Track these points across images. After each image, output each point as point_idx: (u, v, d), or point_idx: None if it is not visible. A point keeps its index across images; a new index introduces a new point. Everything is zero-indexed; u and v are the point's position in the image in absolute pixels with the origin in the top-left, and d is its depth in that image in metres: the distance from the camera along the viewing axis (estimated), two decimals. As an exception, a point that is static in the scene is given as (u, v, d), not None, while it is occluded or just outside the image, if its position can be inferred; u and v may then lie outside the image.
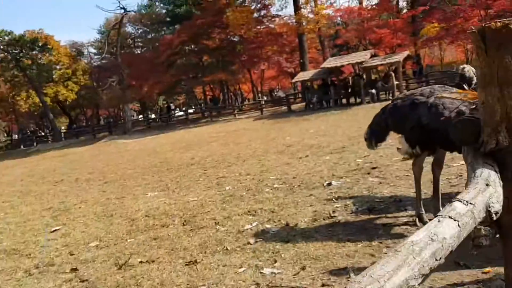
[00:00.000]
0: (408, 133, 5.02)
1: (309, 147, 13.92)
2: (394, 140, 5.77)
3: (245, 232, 5.66)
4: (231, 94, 52.83)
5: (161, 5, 52.36)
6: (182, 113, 47.42)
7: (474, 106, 4.64)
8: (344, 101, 30.60)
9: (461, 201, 1.42)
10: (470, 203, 1.42)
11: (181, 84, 46.14)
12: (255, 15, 41.12)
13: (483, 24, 1.69)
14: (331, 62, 29.78)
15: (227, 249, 5.12)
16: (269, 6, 42.12)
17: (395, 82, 27.00)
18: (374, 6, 40.60)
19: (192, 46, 43.36)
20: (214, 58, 43.89)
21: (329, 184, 7.95)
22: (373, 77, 30.43)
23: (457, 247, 1.34)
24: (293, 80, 34.60)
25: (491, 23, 1.66)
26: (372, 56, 29.23)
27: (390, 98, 27.81)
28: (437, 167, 5.26)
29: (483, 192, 1.49)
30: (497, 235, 1.71)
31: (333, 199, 6.80)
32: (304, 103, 32.57)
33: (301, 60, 36.95)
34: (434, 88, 5.06)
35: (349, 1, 61.03)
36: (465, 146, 1.79)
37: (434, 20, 35.01)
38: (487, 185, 1.53)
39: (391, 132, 5.47)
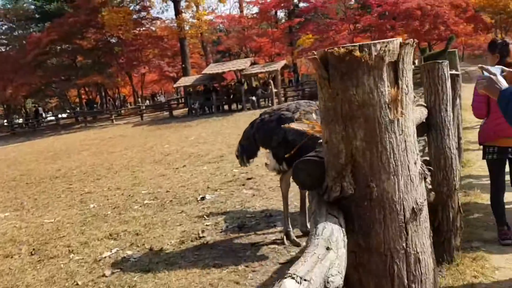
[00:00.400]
0: (275, 149, 4.88)
1: (187, 156, 13.47)
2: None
3: (102, 261, 5.02)
4: (109, 98, 50.10)
5: (30, 0, 47.68)
6: (53, 117, 43.57)
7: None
8: (226, 107, 30.72)
9: (293, 278, 1.10)
10: (305, 280, 1.11)
11: (52, 87, 42.41)
12: (134, 16, 39.45)
13: (326, 50, 1.42)
14: (213, 68, 29.69)
15: (77, 284, 4.45)
16: (149, 8, 40.77)
17: (274, 90, 27.81)
18: (254, 15, 41.63)
19: (64, 46, 40.09)
20: (89, 60, 41.11)
21: (203, 198, 7.60)
22: (254, 84, 31.03)
23: None
24: (175, 85, 33.81)
25: (334, 48, 1.40)
26: (252, 64, 29.80)
27: (270, 105, 28.63)
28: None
29: (321, 260, 1.19)
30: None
31: (205, 216, 6.46)
32: (186, 109, 32.00)
33: (183, 65, 36.32)
34: (299, 103, 4.99)
35: (230, 9, 61.96)
36: (307, 191, 1.55)
37: (308, 31, 36.98)
38: (327, 249, 1.24)
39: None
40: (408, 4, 30.94)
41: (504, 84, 2.41)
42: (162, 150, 16.07)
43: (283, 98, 29.25)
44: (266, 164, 5.21)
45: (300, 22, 37.43)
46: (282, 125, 4.79)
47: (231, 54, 47.61)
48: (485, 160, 4.28)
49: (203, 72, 30.67)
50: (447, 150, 3.66)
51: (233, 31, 41.30)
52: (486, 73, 2.52)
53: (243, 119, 23.96)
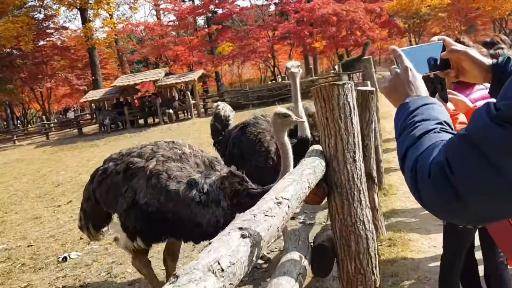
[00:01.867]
0: (123, 217, 3.31)
1: (80, 186, 11.39)
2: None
3: None
4: (19, 116, 45.57)
5: None
6: None
7: (219, 180, 3.20)
8: (142, 121, 28.52)
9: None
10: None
11: None
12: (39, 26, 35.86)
13: None
14: (124, 80, 27.41)
15: None
16: (54, 17, 37.27)
17: (192, 101, 26.12)
18: (172, 23, 39.68)
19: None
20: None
21: (65, 259, 5.81)
22: (175, 94, 29.11)
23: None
24: (81, 100, 30.96)
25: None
26: (167, 74, 27.93)
27: (189, 117, 26.90)
28: (170, 257, 3.66)
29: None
30: None
31: (54, 294, 4.70)
32: (98, 125, 29.34)
33: (93, 77, 33.44)
34: (158, 145, 3.47)
35: (146, 17, 59.31)
36: None
37: (227, 38, 35.70)
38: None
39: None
40: (323, 10, 30.68)
41: (420, 87, 1.21)
42: (55, 178, 13.89)
43: (202, 110, 27.62)
44: (115, 239, 3.64)
45: (218, 29, 36.04)
46: (131, 181, 3.25)
47: (150, 64, 45.17)
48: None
49: (112, 84, 28.25)
50: (359, 226, 2.28)
51: (148, 39, 38.98)
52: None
53: (158, 135, 22.07)
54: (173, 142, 3.53)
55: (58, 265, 5.67)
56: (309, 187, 1.94)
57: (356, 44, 33.35)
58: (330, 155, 2.33)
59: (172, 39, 36.72)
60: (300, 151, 4.24)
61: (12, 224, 8.46)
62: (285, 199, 1.61)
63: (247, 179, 3.27)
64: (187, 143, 3.57)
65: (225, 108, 5.20)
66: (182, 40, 36.85)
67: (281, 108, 3.27)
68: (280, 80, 31.63)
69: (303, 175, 1.92)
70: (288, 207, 1.61)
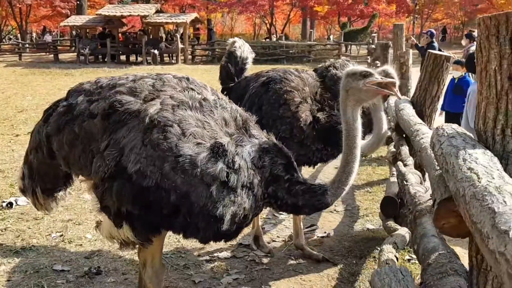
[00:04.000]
0: (101, 191, 2.22)
1: (45, 116, 10.08)
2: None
3: None
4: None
5: None
6: None
7: (256, 153, 2.20)
8: (123, 58, 26.68)
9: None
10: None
11: None
12: None
13: None
14: (110, 10, 25.31)
15: None
16: None
17: (180, 45, 24.41)
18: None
19: None
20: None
21: (10, 204, 4.65)
22: (163, 36, 27.21)
23: None
24: (62, 24, 28.73)
25: None
26: (158, 11, 25.93)
27: (173, 62, 25.27)
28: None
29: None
30: None
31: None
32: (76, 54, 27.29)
33: (78, 2, 31.00)
34: (163, 78, 2.34)
35: None
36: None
37: (228, -14, 33.55)
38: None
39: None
40: (334, -28, 28.93)
41: None
42: (19, 103, 12.48)
43: (190, 57, 25.97)
44: (97, 224, 2.54)
45: (220, -26, 33.78)
46: (116, 133, 2.15)
47: (140, -1, 42.49)
48: None
49: (97, 12, 26.11)
50: None
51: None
52: None
53: (139, 75, 20.53)
54: (188, 79, 2.34)
55: (0, 211, 4.52)
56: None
57: (362, 15, 31.86)
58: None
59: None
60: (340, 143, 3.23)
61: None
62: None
63: (295, 163, 2.20)
64: (208, 85, 2.39)
65: (243, 47, 4.01)
66: (179, -21, 34.43)
67: (357, 65, 2.20)
68: (274, 39, 30.08)
69: None
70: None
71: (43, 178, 2.59)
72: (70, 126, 2.31)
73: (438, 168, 1.73)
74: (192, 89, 2.26)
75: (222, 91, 4.02)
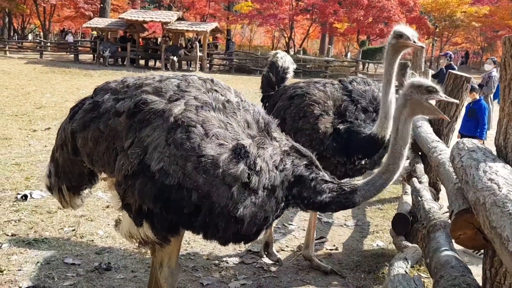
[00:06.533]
0: (123, 188, 2.27)
1: (63, 114, 10.21)
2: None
3: None
4: (18, 27, 43.15)
5: None
6: None
7: (277, 155, 2.23)
8: (142, 62, 27.01)
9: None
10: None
11: None
12: None
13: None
14: (133, 14, 25.70)
15: None
16: None
17: (199, 53, 24.67)
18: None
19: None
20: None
21: (25, 197, 4.74)
22: (182, 43, 27.52)
23: None
24: (84, 25, 29.26)
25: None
26: (180, 19, 26.25)
27: (191, 69, 25.51)
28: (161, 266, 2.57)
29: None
30: None
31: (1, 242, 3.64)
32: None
33: (102, 5, 31.57)
34: (188, 79, 2.40)
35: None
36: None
37: (249, -3, 33.93)
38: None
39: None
40: (356, -9, 29.11)
41: None
42: (38, 99, 12.67)
43: (207, 65, 26.22)
44: (116, 222, 2.59)
45: (242, -14, 34.17)
46: (141, 131, 2.20)
47: (162, 5, 43.13)
48: None
49: (119, 16, 26.52)
50: None
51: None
52: None
53: (157, 80, 20.74)
54: (212, 81, 2.39)
55: (15, 203, 4.61)
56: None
57: (381, 34, 31.89)
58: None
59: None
60: (364, 152, 3.21)
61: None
62: None
63: (318, 163, 2.21)
64: (231, 87, 2.44)
65: (284, 58, 4.17)
66: (201, -12, 34.89)
67: (421, 78, 2.21)
68: (292, 53, 30.24)
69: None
70: None
71: (68, 175, 2.63)
72: (95, 123, 2.36)
73: (456, 181, 1.74)
74: (216, 90, 2.30)
75: (262, 99, 4.18)
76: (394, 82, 3.09)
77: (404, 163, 2.32)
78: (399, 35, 3.04)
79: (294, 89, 3.60)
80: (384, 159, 2.33)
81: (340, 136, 3.23)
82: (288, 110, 3.48)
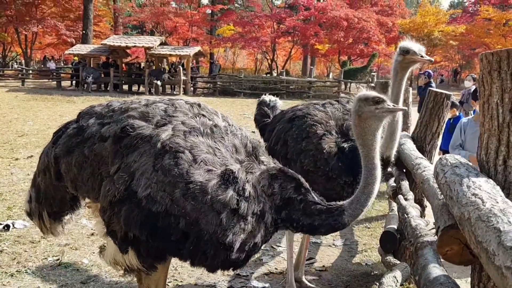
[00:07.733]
0: (109, 215, 2.23)
1: (45, 141, 10.05)
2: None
3: None
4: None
5: None
6: None
7: (265, 180, 2.22)
8: (125, 87, 26.97)
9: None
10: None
11: None
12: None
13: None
14: (116, 40, 25.78)
15: None
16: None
17: (183, 77, 24.77)
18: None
19: None
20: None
21: (7, 227, 4.63)
22: (166, 67, 27.62)
23: None
24: (67, 52, 29.21)
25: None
26: (163, 44, 26.41)
27: (175, 93, 25.54)
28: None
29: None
30: None
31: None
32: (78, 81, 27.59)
33: (84, 31, 31.58)
34: (175, 104, 2.40)
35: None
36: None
37: (230, 21, 34.37)
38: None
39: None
40: (336, 13, 29.72)
41: None
42: (20, 128, 12.52)
43: (191, 88, 26.30)
44: (101, 249, 2.55)
45: (223, 10, 34.62)
46: (127, 157, 2.19)
47: (145, 31, 43.41)
48: None
49: (102, 42, 26.57)
50: None
51: (149, 4, 37.14)
52: None
53: (141, 104, 20.69)
54: (199, 105, 2.39)
55: (-4, 234, 4.49)
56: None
57: (361, 54, 32.50)
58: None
59: (173, 10, 35.04)
60: None
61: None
62: None
63: (307, 185, 2.21)
64: (219, 111, 2.44)
65: (269, 96, 4.40)
66: (183, 14, 35.22)
67: (367, 91, 2.23)
68: (275, 75, 30.55)
69: None
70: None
71: (50, 201, 2.58)
72: (80, 148, 2.33)
73: (441, 197, 1.76)
74: (203, 115, 2.30)
75: (260, 130, 4.22)
76: (402, 101, 3.08)
77: (380, 172, 2.34)
78: (406, 51, 3.00)
79: (293, 112, 3.61)
80: (362, 175, 2.34)
81: (345, 155, 3.16)
82: (289, 132, 3.45)
